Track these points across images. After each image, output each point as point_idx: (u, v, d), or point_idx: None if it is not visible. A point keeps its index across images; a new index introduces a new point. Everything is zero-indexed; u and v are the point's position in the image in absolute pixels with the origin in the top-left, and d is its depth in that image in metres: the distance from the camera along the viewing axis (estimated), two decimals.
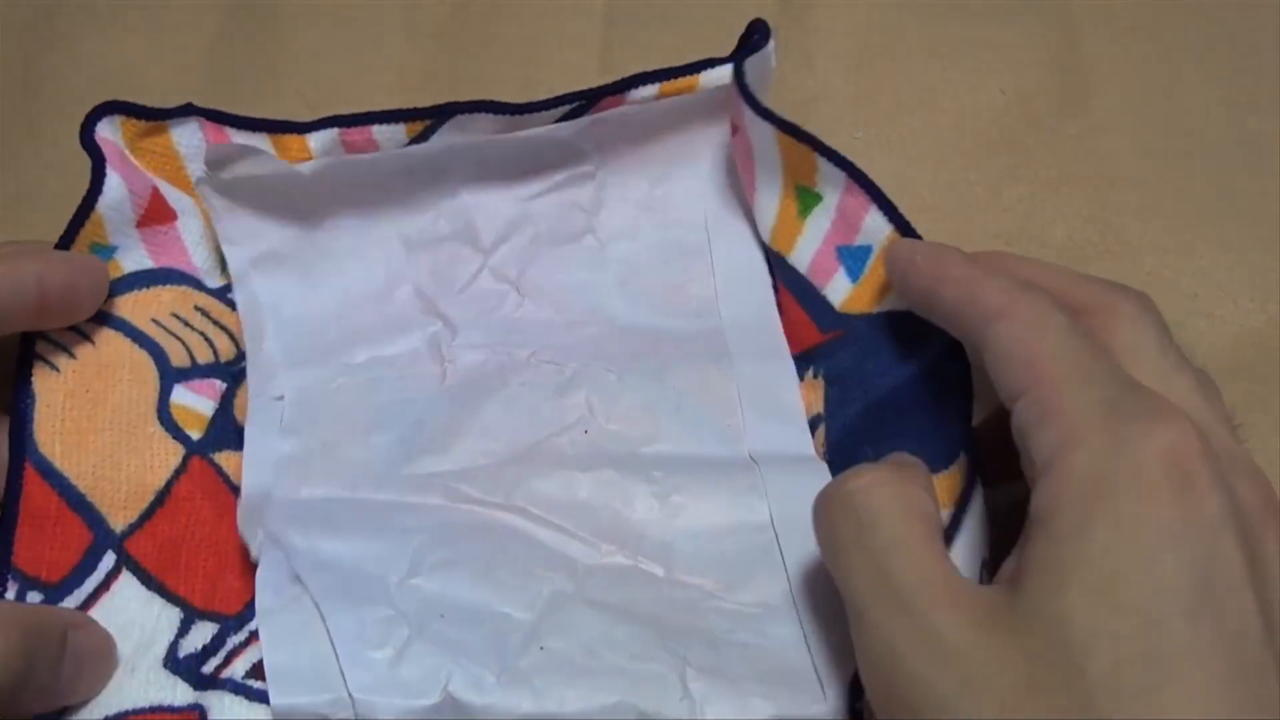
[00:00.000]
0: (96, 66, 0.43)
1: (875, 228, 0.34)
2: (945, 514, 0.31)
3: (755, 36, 0.35)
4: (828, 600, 0.31)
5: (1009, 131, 0.41)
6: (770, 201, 0.36)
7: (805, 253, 0.36)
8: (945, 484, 0.31)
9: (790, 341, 0.36)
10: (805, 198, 0.35)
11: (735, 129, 0.37)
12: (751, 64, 0.35)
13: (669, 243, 0.38)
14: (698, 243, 0.38)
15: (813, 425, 0.35)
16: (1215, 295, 0.38)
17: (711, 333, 0.37)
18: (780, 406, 0.35)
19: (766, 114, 0.34)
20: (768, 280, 0.37)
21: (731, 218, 0.38)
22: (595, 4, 0.44)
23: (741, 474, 0.34)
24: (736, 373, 0.36)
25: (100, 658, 0.31)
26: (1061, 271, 0.31)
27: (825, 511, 0.28)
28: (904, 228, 0.33)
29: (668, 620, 0.31)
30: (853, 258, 0.35)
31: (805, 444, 0.35)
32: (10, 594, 0.31)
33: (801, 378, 0.36)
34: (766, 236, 0.37)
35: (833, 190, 0.35)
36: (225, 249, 0.35)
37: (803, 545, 0.32)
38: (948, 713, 0.24)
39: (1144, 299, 0.30)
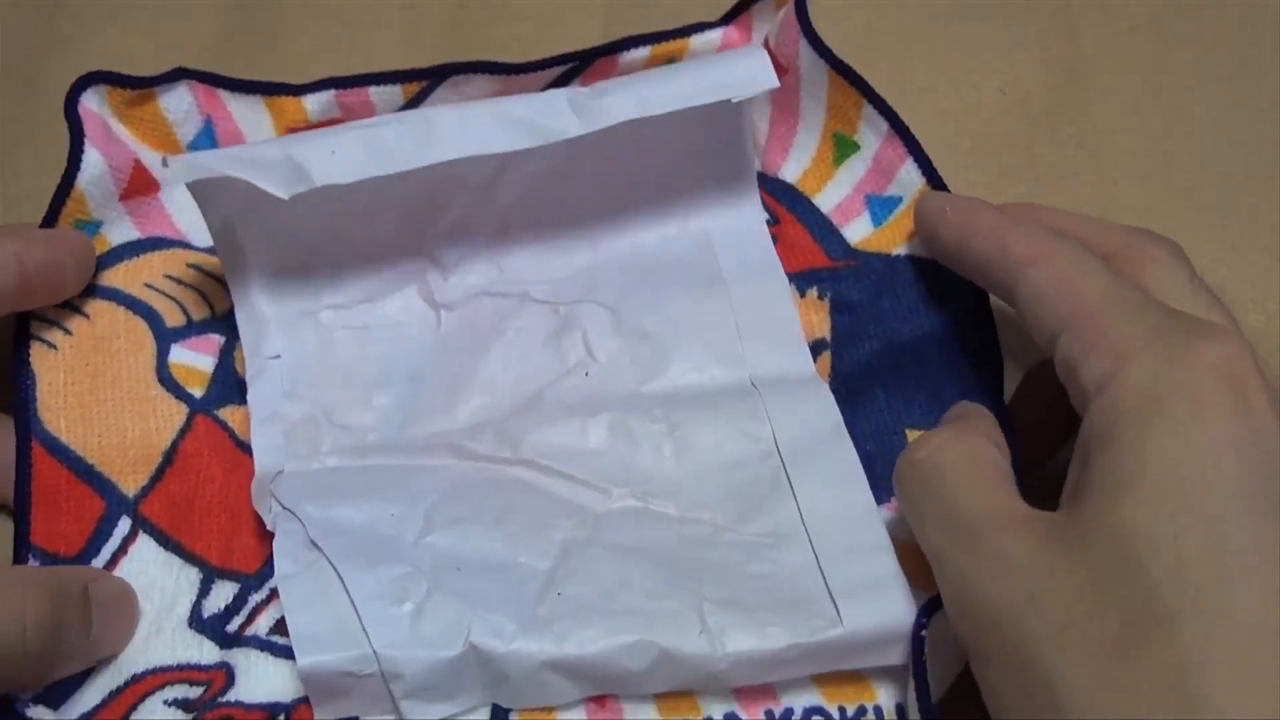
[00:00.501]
0: (96, 66, 0.43)
1: (909, 180, 0.35)
2: None
3: None
4: (837, 521, 0.32)
5: (1009, 131, 0.41)
6: (808, 145, 0.37)
7: (832, 196, 0.37)
8: None
9: (790, 260, 0.36)
10: (843, 146, 0.36)
11: (778, 71, 0.36)
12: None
13: (656, 170, 0.37)
14: (684, 169, 0.37)
15: (816, 349, 0.35)
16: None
17: (703, 257, 0.37)
18: (776, 326, 0.36)
19: (824, 52, 0.35)
20: (758, 205, 0.37)
21: (721, 146, 0.37)
22: (595, 4, 0.44)
23: (743, 401, 0.34)
24: (731, 295, 0.36)
25: (123, 603, 0.31)
26: (1089, 220, 0.31)
27: (901, 483, 0.29)
28: (937, 182, 0.34)
29: (682, 557, 0.31)
30: (880, 206, 0.35)
31: (805, 364, 0.35)
32: None
33: (802, 294, 0.36)
34: (794, 177, 0.37)
35: (873, 139, 0.35)
36: (202, 207, 0.34)
37: (809, 468, 0.33)
38: (1018, 626, 0.24)
39: (1172, 244, 0.30)
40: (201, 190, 0.33)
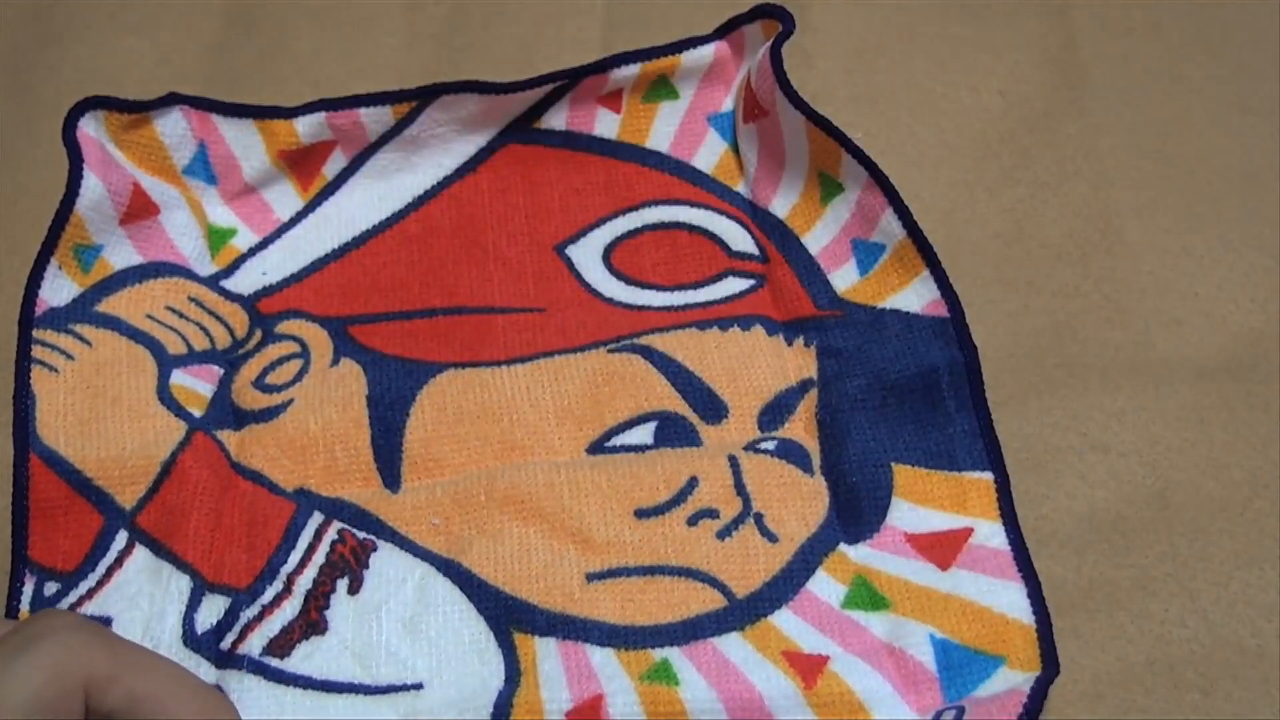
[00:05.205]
0: (92, 65, 0.43)
1: (890, 229, 0.35)
2: (991, 525, 0.32)
3: (783, 24, 0.37)
4: None
5: (1008, 132, 0.41)
6: (796, 181, 0.37)
7: (821, 237, 0.37)
8: (974, 488, 0.33)
9: (778, 308, 0.37)
10: (828, 185, 0.36)
11: (760, 112, 0.37)
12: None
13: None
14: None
15: (803, 388, 0.36)
16: (1215, 295, 0.38)
17: None
18: None
19: (800, 104, 0.36)
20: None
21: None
22: (595, 6, 0.44)
23: None
24: None
25: None
26: None
27: None
28: (916, 234, 0.35)
29: None
30: (866, 252, 0.36)
31: None
32: (28, 586, 0.31)
33: (789, 343, 0.36)
34: (784, 213, 0.38)
35: (854, 185, 0.36)
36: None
37: None
38: None
39: None
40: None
